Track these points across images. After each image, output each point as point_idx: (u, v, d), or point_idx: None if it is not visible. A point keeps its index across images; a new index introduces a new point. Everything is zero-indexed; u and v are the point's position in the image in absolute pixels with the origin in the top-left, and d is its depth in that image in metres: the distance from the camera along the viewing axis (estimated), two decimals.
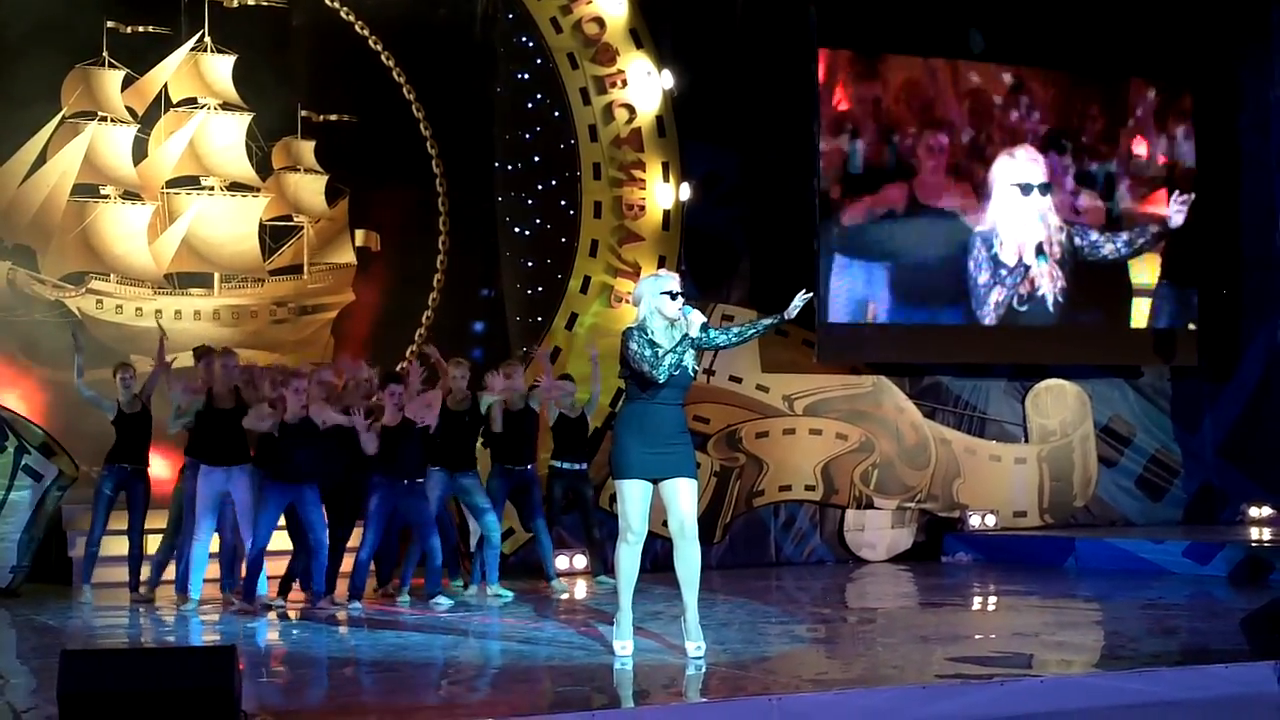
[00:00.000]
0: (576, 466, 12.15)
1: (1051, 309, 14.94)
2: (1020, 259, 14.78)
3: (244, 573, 10.65)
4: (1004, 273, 14.70)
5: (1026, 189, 14.90)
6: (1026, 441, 15.26)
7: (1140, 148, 15.49)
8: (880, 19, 14.40)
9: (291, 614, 10.45)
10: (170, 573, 11.18)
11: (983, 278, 14.68)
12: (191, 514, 10.84)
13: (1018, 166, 14.90)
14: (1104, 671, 7.88)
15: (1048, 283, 14.90)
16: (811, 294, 7.91)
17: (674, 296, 7.87)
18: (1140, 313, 15.39)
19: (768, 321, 8.01)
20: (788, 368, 14.20)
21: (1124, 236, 15.25)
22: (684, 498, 7.90)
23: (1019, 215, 14.84)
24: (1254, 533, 14.53)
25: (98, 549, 11.34)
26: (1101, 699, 7.31)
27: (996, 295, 14.68)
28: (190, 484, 10.83)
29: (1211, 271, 15.78)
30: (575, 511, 12.47)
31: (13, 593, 11.63)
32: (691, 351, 7.90)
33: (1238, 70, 16.12)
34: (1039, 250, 14.81)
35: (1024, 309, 14.83)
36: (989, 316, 14.68)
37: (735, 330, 8.11)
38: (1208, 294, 15.72)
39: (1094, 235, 15.03)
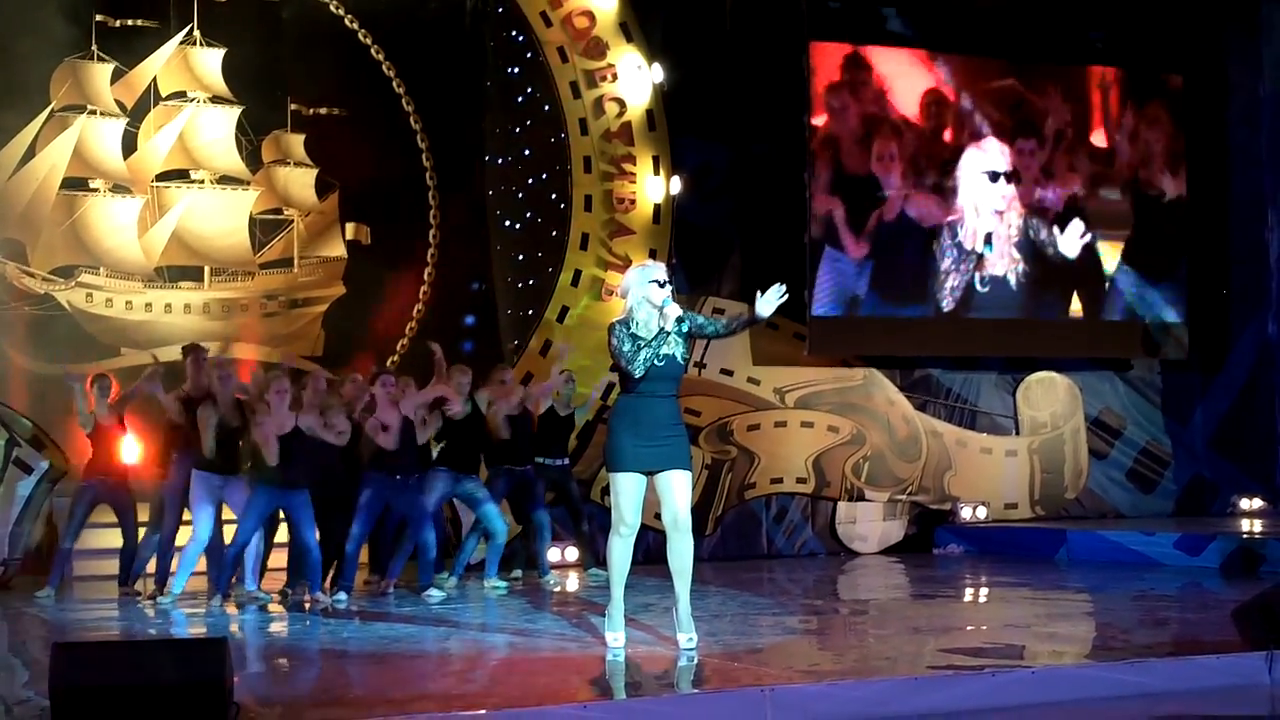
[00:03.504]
0: (559, 462, 12.12)
1: (1015, 288, 14.91)
2: (973, 247, 14.77)
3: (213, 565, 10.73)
4: (961, 258, 14.68)
5: (994, 177, 14.89)
6: (1017, 434, 15.27)
7: (1120, 139, 15.47)
8: (868, 11, 14.44)
9: (282, 607, 10.46)
10: (151, 566, 11.21)
11: (945, 263, 14.67)
12: (175, 510, 10.87)
13: (987, 157, 14.88)
14: (1095, 663, 7.88)
15: (1008, 264, 14.87)
16: (786, 289, 7.88)
17: (662, 285, 7.88)
18: (1110, 301, 15.39)
19: (746, 319, 8.01)
20: (779, 360, 14.21)
21: (1083, 228, 15.24)
22: (678, 490, 7.89)
23: (984, 203, 14.83)
24: (1245, 524, 14.55)
25: (70, 555, 11.21)
26: (1093, 690, 7.32)
27: (953, 281, 14.67)
28: (178, 481, 10.83)
29: (1199, 265, 15.79)
30: (561, 506, 12.48)
31: (4, 585, 11.61)
32: (681, 341, 7.89)
33: (1226, 64, 16.14)
34: (987, 240, 14.80)
35: (985, 290, 14.81)
36: (947, 301, 14.65)
37: (723, 322, 8.14)
38: (1197, 287, 15.73)
39: (1050, 231, 15.04)
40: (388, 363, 13.12)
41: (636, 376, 7.79)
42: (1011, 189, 14.93)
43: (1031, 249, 14.99)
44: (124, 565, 11.24)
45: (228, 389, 10.70)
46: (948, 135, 14.76)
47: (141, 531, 11.32)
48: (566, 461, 12.22)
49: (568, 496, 12.29)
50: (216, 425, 10.51)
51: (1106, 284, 15.35)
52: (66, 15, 12.87)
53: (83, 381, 11.07)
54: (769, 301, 7.80)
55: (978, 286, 14.74)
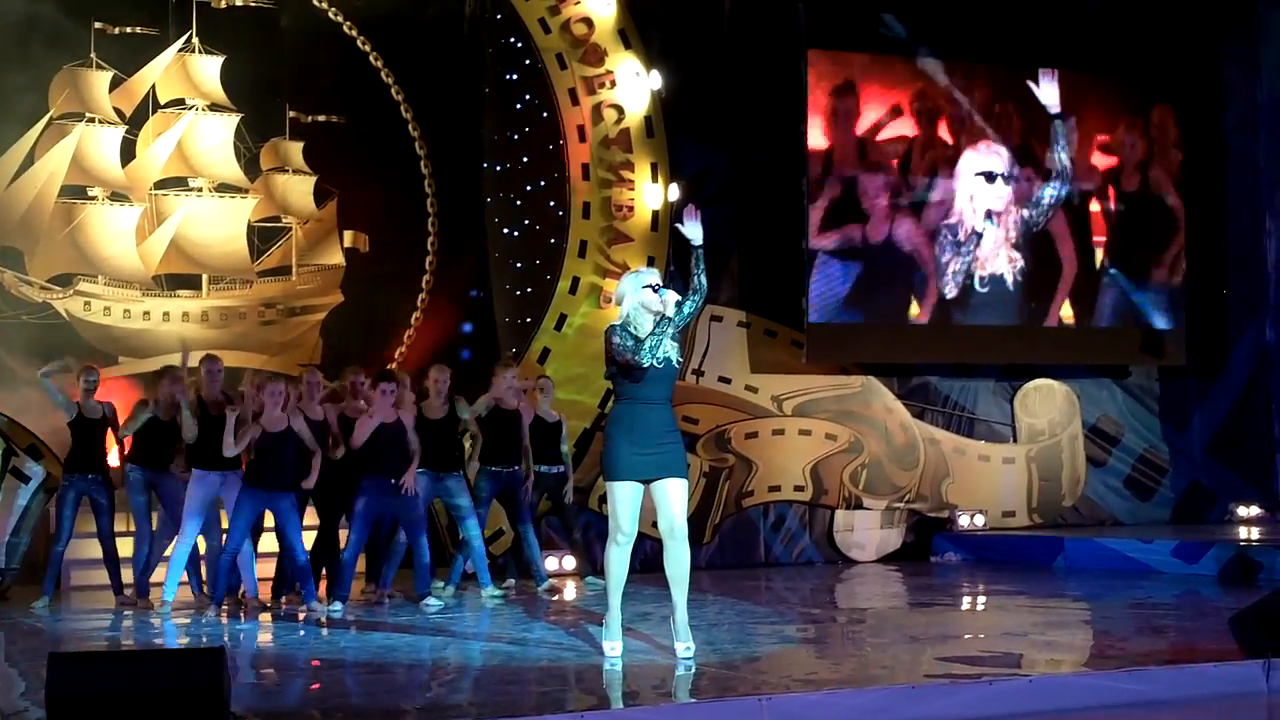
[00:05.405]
0: (555, 470, 12.13)
1: (1011, 288, 14.87)
2: (973, 230, 14.74)
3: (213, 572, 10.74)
4: (959, 251, 14.65)
5: (990, 177, 14.87)
6: (1015, 441, 15.27)
7: (1117, 145, 15.46)
8: (867, 19, 14.44)
9: (278, 616, 10.45)
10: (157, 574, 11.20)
11: (945, 256, 14.65)
12: (172, 516, 10.87)
13: (984, 159, 14.85)
14: (1093, 671, 7.88)
15: (1004, 262, 14.85)
16: (695, 205, 8.05)
17: (655, 290, 7.90)
18: (1107, 307, 15.38)
19: (694, 259, 7.94)
20: (776, 368, 14.20)
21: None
22: (674, 498, 7.90)
23: (981, 205, 14.80)
24: (1242, 532, 14.56)
25: (61, 559, 11.19)
26: (1090, 698, 7.33)
27: (954, 265, 14.63)
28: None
29: (1197, 271, 15.77)
30: (556, 515, 12.49)
31: (1, 596, 11.60)
32: (676, 346, 7.91)
33: (1223, 69, 16.14)
34: (988, 215, 14.77)
35: (985, 290, 14.79)
36: (949, 287, 14.61)
37: (690, 289, 7.97)
38: (1194, 293, 15.72)
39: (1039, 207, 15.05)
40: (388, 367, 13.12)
41: (645, 365, 7.80)
42: (1009, 190, 14.91)
43: (1028, 243, 14.93)
44: (112, 574, 11.21)
45: (216, 384, 10.77)
46: (945, 140, 14.74)
47: (129, 542, 11.30)
48: (563, 469, 12.21)
49: (561, 506, 12.29)
50: (201, 416, 10.58)
51: (1103, 289, 15.33)
52: (65, 22, 12.88)
53: (53, 374, 11.07)
54: (691, 224, 7.94)
55: (977, 286, 14.72)
